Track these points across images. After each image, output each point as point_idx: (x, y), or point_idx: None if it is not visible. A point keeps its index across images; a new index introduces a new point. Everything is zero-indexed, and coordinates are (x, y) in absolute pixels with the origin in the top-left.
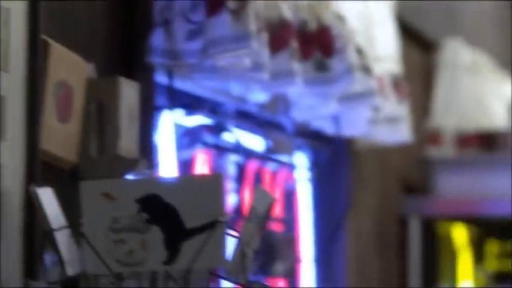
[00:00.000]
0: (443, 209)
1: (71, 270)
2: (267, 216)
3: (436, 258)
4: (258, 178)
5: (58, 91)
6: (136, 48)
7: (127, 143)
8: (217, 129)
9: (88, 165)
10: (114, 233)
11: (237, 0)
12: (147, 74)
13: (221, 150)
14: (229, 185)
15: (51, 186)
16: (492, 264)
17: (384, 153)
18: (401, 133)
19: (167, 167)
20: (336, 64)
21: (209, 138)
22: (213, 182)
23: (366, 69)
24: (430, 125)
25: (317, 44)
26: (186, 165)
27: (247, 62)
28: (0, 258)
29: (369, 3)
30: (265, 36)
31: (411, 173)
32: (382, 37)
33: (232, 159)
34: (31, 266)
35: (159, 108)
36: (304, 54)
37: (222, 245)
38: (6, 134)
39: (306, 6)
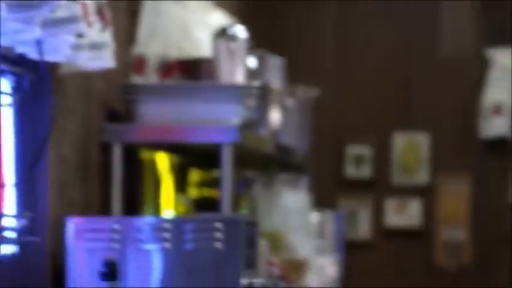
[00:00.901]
0: (146, 137)
1: None
2: None
3: (140, 185)
4: None
5: None
6: None
7: None
8: None
9: None
10: None
11: None
12: None
13: None
14: None
15: None
16: (194, 192)
17: (87, 80)
18: (104, 60)
19: None
20: None
21: None
22: None
23: None
24: (134, 53)
25: None
26: None
27: None
28: None
29: None
30: None
31: (114, 100)
32: None
33: None
34: None
35: None
36: None
37: None
38: None
39: None
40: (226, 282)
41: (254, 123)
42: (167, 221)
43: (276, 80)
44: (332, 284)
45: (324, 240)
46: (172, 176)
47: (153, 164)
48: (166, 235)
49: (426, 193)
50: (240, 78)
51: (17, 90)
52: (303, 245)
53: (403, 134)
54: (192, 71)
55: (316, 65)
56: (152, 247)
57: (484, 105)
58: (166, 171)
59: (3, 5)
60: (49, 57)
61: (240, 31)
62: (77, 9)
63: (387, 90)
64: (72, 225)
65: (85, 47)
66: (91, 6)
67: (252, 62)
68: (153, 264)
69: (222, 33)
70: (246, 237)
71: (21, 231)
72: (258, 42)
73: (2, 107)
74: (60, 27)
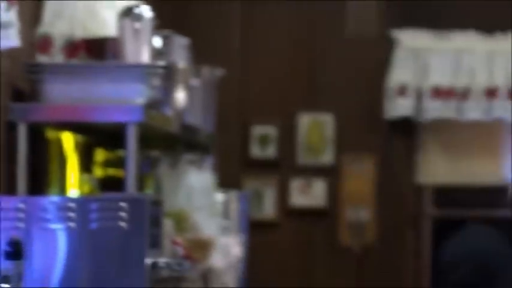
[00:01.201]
0: (51, 116)
1: None
2: None
3: (45, 165)
4: None
5: None
6: None
7: None
8: None
9: None
10: None
11: None
12: None
13: None
14: None
15: None
16: (99, 172)
17: None
18: (10, 39)
19: None
20: None
21: None
22: None
23: None
24: (40, 32)
25: None
26: None
27: None
28: None
29: None
30: None
31: (20, 79)
32: None
33: None
34: None
35: None
36: None
37: None
38: None
39: None
40: (131, 262)
41: (159, 102)
42: (72, 200)
43: (181, 60)
44: (237, 264)
45: (229, 220)
46: (77, 155)
47: (58, 144)
48: (71, 214)
49: (331, 173)
50: (145, 57)
51: None
52: (207, 225)
53: (308, 114)
54: (97, 51)
55: (222, 45)
56: (57, 226)
57: (388, 86)
58: (72, 150)
59: None
60: None
61: (145, 11)
62: None
63: (292, 71)
64: None
65: None
66: None
67: (157, 41)
68: (58, 244)
69: (127, 13)
70: (150, 217)
71: None
72: (164, 23)
73: None
74: None
